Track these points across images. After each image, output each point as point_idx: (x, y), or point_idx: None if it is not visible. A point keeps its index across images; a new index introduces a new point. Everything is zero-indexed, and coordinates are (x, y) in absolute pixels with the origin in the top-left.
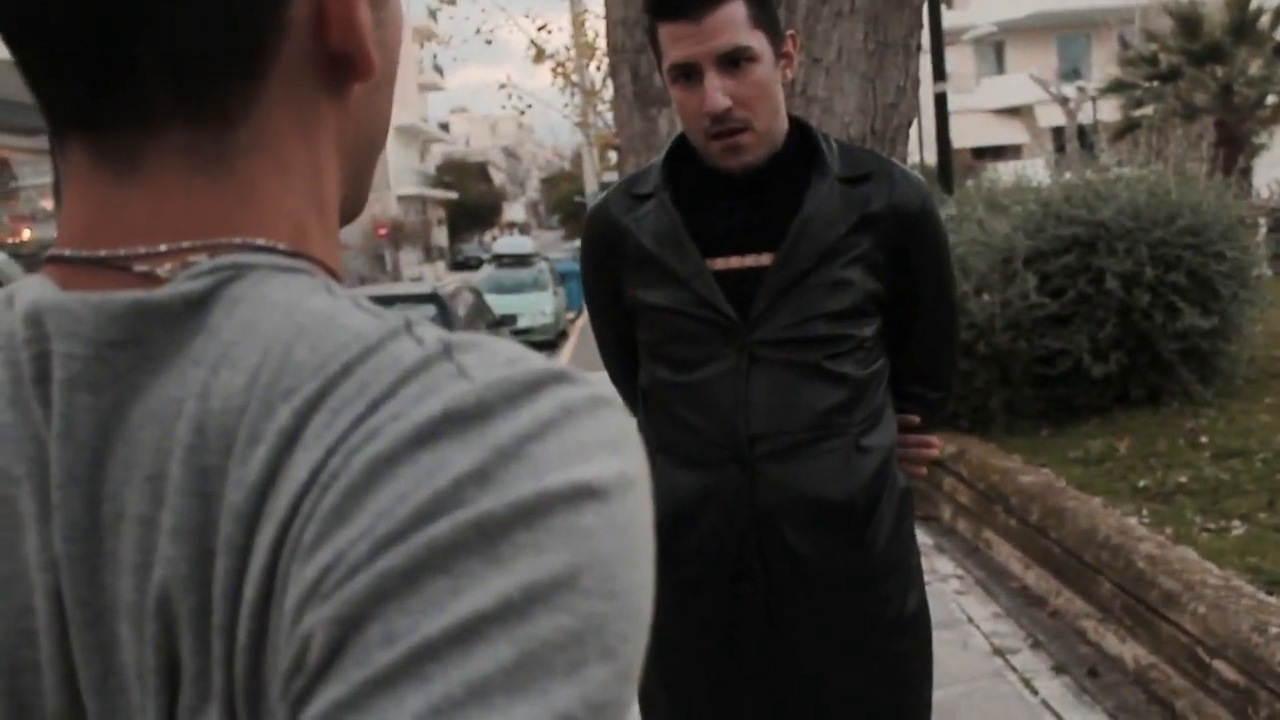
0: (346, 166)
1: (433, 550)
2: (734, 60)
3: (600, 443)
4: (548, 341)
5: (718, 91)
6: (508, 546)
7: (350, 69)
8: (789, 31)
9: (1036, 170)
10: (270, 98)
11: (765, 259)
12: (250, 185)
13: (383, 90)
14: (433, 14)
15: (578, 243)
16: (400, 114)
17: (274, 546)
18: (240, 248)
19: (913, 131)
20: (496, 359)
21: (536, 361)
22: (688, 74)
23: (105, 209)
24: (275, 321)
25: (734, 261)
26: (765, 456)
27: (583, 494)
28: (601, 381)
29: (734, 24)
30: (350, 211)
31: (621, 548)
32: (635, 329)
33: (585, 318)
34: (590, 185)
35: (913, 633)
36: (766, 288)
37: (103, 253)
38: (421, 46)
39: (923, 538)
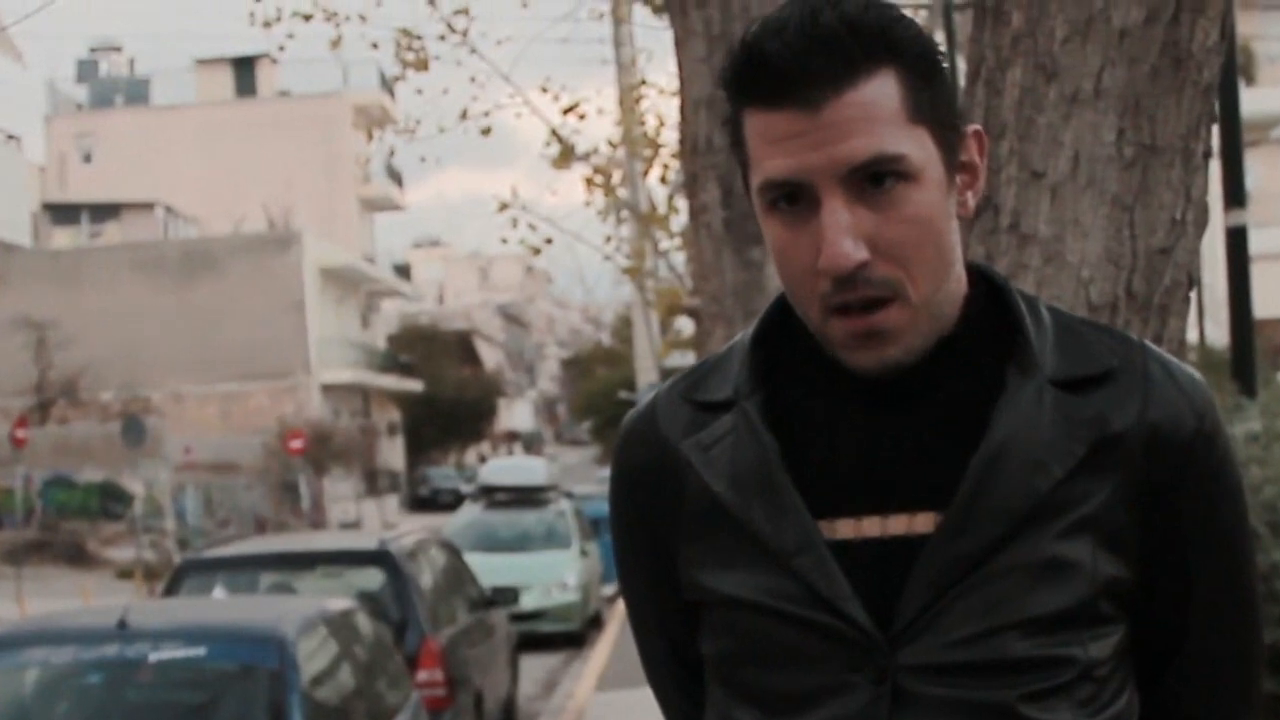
0: None
1: None
2: (876, 179)
3: None
4: (571, 633)
5: (845, 233)
6: None
7: None
8: (972, 127)
9: None
10: None
11: (923, 522)
12: None
13: None
14: (388, 85)
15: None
16: (330, 250)
17: None
18: None
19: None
20: None
21: None
22: (793, 198)
23: None
24: None
25: (868, 526)
26: None
27: None
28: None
29: (876, 115)
30: None
31: None
32: (699, 635)
33: None
34: (645, 375)
35: None
36: (925, 574)
37: None
38: (370, 138)
39: None
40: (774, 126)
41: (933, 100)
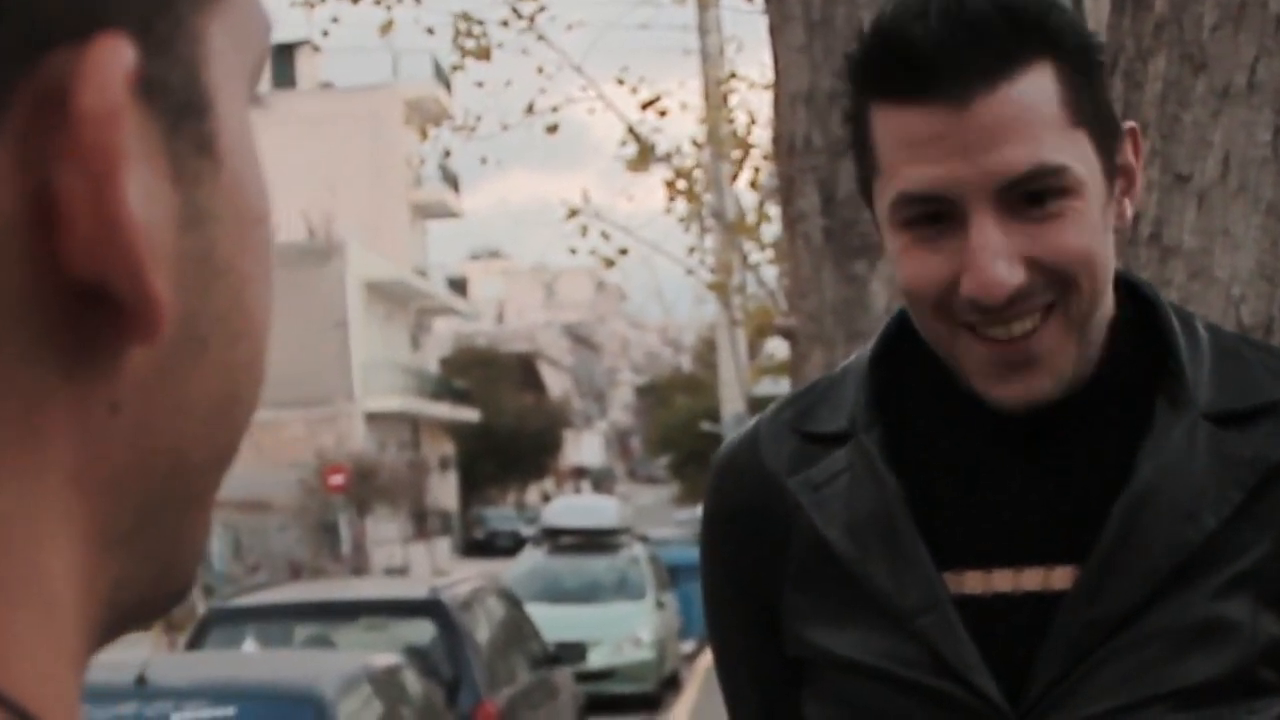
0: (113, 510)
1: None
2: (1036, 195)
3: None
4: (645, 695)
5: (998, 258)
6: None
7: (116, 319)
8: (1128, 125)
9: None
10: None
11: (1060, 578)
12: None
13: (207, 355)
14: (444, 76)
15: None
16: (377, 262)
17: None
18: None
19: None
20: None
21: None
22: (935, 215)
23: None
24: None
25: (999, 580)
26: None
27: None
28: None
29: (1033, 118)
30: (146, 596)
31: None
32: (803, 701)
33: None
34: (730, 404)
35: None
36: (1061, 638)
37: None
38: (424, 136)
39: None
40: (913, 126)
41: (1094, 99)
